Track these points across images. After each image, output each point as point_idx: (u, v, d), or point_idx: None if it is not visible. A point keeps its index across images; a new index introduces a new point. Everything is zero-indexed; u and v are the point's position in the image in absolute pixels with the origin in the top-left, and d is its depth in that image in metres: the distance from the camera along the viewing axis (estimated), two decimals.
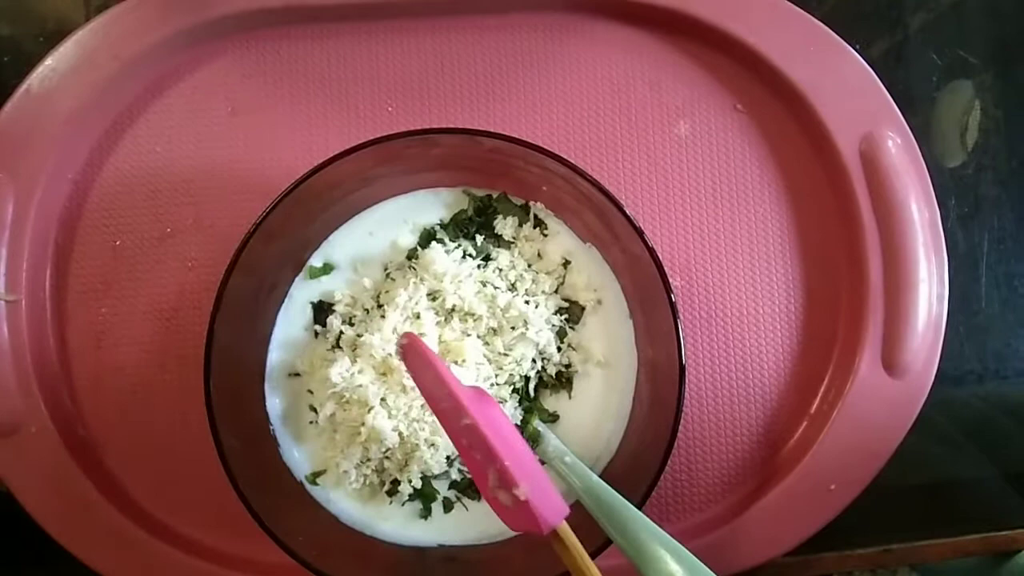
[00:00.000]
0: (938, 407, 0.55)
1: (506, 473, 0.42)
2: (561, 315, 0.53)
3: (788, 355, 0.56)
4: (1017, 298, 0.59)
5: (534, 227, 0.54)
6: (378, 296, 0.52)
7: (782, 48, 0.55)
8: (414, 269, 0.52)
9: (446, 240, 0.53)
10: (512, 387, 0.52)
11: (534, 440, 0.52)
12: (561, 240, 0.54)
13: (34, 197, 0.53)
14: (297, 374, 0.53)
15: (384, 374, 0.50)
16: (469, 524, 0.52)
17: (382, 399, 0.49)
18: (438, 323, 0.51)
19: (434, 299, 0.51)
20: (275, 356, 0.53)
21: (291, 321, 0.53)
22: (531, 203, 0.54)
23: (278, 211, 0.47)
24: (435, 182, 0.54)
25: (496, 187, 0.54)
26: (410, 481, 0.51)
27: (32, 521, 0.51)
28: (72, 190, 0.55)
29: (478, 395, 0.44)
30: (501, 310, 0.51)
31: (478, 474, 0.44)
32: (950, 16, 0.61)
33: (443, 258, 0.51)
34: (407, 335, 0.47)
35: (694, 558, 0.43)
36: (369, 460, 0.51)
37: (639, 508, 0.46)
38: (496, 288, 0.51)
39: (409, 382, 0.48)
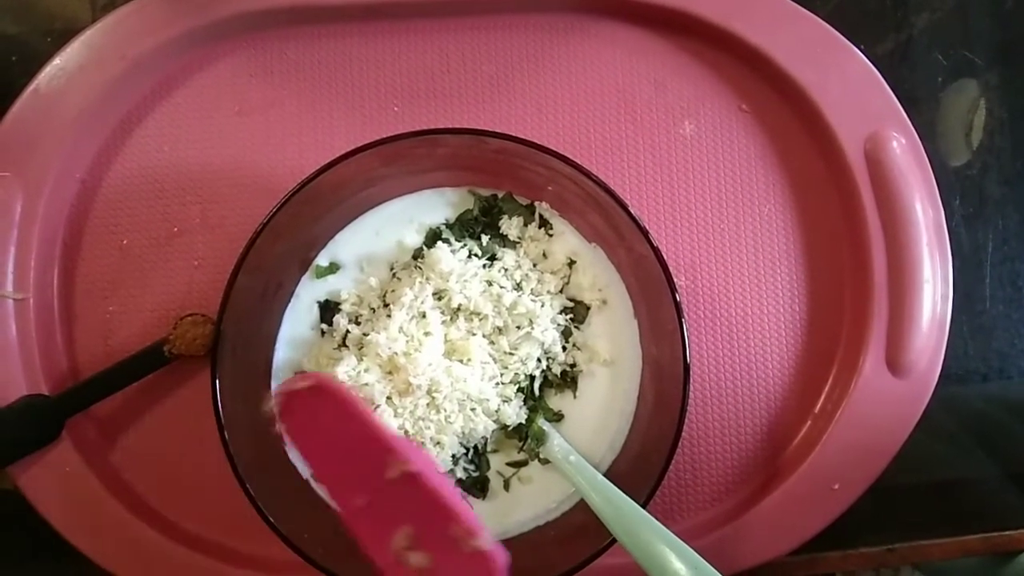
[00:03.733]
0: (942, 407, 0.55)
1: (463, 523, 0.36)
2: (566, 315, 0.53)
3: (792, 354, 0.56)
4: (1022, 297, 0.59)
5: (539, 227, 0.54)
6: (384, 295, 0.53)
7: (787, 48, 0.55)
8: (420, 268, 0.52)
9: (452, 240, 0.53)
10: (517, 386, 0.52)
11: (539, 439, 0.52)
12: (566, 240, 0.54)
13: (42, 196, 0.53)
14: (304, 372, 0.53)
15: (390, 373, 0.50)
16: None
17: (388, 397, 0.49)
18: (444, 322, 0.51)
19: (440, 298, 0.51)
20: (282, 355, 0.53)
21: (298, 320, 0.53)
22: (536, 203, 0.54)
23: (285, 210, 0.47)
24: (441, 182, 0.54)
25: (501, 187, 0.54)
26: None
27: (40, 518, 0.52)
28: (80, 189, 0.56)
29: (409, 440, 0.38)
30: (507, 309, 0.51)
31: (377, 538, 0.37)
32: (955, 16, 0.61)
33: (449, 257, 0.51)
34: (307, 378, 0.38)
35: (698, 557, 0.43)
36: None
37: (644, 507, 0.46)
38: (502, 288, 0.52)
39: (416, 380, 0.48)
